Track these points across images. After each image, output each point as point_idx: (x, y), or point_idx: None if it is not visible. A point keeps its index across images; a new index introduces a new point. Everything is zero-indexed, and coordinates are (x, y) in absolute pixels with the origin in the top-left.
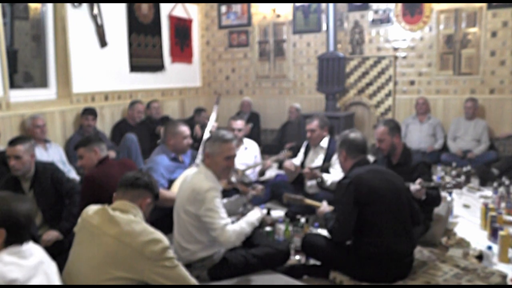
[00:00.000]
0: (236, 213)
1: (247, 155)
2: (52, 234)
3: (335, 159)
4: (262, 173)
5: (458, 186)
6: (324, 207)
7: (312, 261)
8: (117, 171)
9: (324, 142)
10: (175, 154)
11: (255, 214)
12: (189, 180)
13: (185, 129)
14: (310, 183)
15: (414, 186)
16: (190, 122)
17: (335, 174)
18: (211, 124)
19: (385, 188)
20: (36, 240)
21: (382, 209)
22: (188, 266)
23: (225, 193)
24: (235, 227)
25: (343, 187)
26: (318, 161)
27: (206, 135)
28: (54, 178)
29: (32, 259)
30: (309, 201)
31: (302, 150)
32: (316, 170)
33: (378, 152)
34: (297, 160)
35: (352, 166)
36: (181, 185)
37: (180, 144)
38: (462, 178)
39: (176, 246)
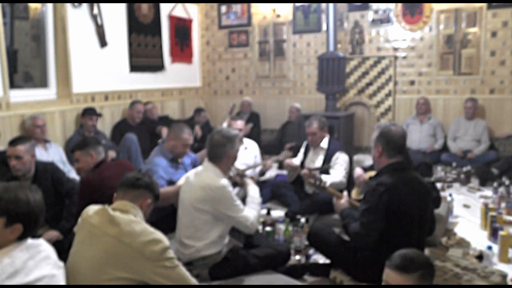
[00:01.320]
0: None
1: (247, 155)
2: (52, 234)
3: (334, 159)
4: (262, 173)
5: (458, 180)
6: (345, 201)
7: (312, 261)
8: (114, 172)
9: (324, 143)
10: (173, 154)
11: (255, 190)
12: (197, 178)
13: (188, 138)
14: None
15: None
16: (190, 122)
17: (334, 175)
18: None
19: (415, 202)
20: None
21: (407, 224)
22: (189, 264)
23: None
24: (255, 214)
25: (376, 193)
26: (318, 161)
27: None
28: (55, 178)
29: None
30: (330, 189)
31: (302, 150)
32: (315, 172)
33: None
34: (297, 160)
35: (387, 165)
36: (186, 183)
37: (178, 149)
38: (462, 178)
39: (179, 245)
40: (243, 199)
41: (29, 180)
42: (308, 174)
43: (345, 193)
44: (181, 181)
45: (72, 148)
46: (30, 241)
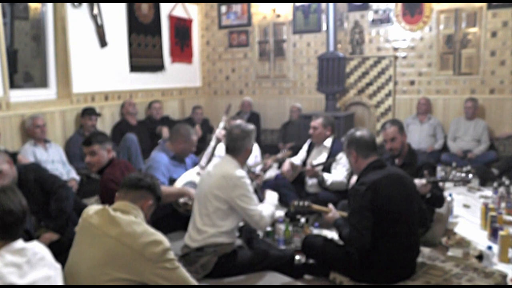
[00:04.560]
0: None
1: None
2: (46, 238)
3: (338, 159)
4: (264, 172)
5: (466, 180)
6: (334, 213)
7: (312, 261)
8: (125, 171)
9: (328, 142)
10: (177, 154)
11: (274, 196)
12: (216, 168)
13: (195, 139)
14: (311, 182)
15: (420, 181)
16: (189, 122)
17: (336, 174)
18: (219, 131)
19: (400, 197)
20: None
21: (394, 219)
22: (200, 249)
23: None
24: (268, 212)
25: (359, 193)
26: (321, 159)
27: (213, 141)
28: (37, 177)
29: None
30: (317, 207)
31: (305, 148)
32: (318, 169)
33: (383, 153)
34: (298, 159)
35: (366, 167)
36: (206, 173)
37: (189, 150)
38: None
39: (192, 231)
40: (256, 191)
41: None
42: (311, 171)
43: (330, 205)
44: (179, 182)
45: (89, 141)
46: (22, 244)
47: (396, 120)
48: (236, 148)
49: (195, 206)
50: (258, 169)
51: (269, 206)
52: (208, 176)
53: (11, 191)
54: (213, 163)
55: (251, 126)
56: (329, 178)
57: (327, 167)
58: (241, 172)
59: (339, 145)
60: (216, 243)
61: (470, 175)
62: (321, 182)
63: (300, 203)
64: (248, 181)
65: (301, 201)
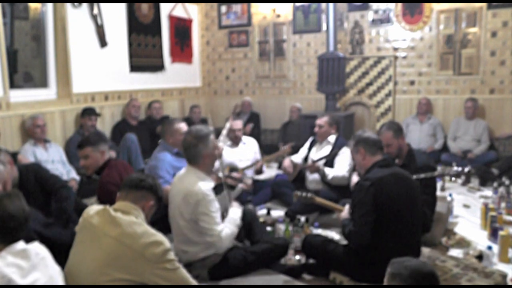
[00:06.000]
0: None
1: (246, 150)
2: None
3: (341, 153)
4: (258, 172)
5: (462, 173)
6: (345, 214)
7: (312, 261)
8: (122, 173)
9: (332, 138)
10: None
11: (237, 213)
12: (179, 183)
13: (182, 126)
14: (312, 178)
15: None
16: (188, 122)
17: (338, 169)
18: (224, 134)
19: (403, 196)
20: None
21: (396, 217)
22: (189, 265)
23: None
24: (227, 231)
25: (363, 189)
26: (324, 153)
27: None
28: (38, 177)
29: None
30: (319, 200)
31: (307, 145)
32: (320, 163)
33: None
34: (299, 156)
35: (373, 165)
36: (172, 189)
37: (180, 141)
38: (462, 178)
39: (177, 250)
40: (239, 198)
41: (15, 187)
42: (313, 166)
43: (346, 206)
44: None
45: (82, 144)
46: (23, 245)
47: (392, 124)
48: (192, 157)
49: (172, 225)
50: (251, 171)
51: (230, 226)
52: (175, 192)
53: (15, 197)
54: (177, 175)
55: (205, 130)
56: (330, 172)
57: (330, 161)
58: (203, 186)
59: (343, 142)
60: (203, 258)
61: (466, 168)
62: (323, 176)
63: (303, 194)
64: (211, 196)
65: (304, 192)
